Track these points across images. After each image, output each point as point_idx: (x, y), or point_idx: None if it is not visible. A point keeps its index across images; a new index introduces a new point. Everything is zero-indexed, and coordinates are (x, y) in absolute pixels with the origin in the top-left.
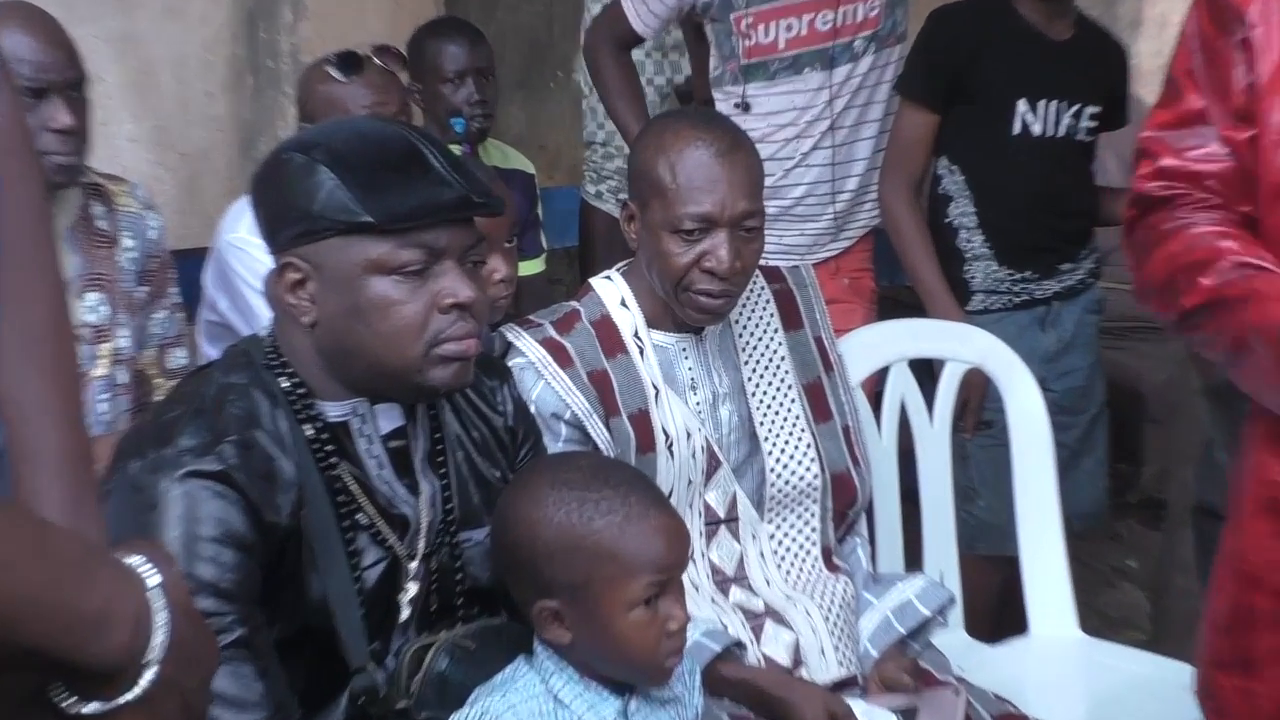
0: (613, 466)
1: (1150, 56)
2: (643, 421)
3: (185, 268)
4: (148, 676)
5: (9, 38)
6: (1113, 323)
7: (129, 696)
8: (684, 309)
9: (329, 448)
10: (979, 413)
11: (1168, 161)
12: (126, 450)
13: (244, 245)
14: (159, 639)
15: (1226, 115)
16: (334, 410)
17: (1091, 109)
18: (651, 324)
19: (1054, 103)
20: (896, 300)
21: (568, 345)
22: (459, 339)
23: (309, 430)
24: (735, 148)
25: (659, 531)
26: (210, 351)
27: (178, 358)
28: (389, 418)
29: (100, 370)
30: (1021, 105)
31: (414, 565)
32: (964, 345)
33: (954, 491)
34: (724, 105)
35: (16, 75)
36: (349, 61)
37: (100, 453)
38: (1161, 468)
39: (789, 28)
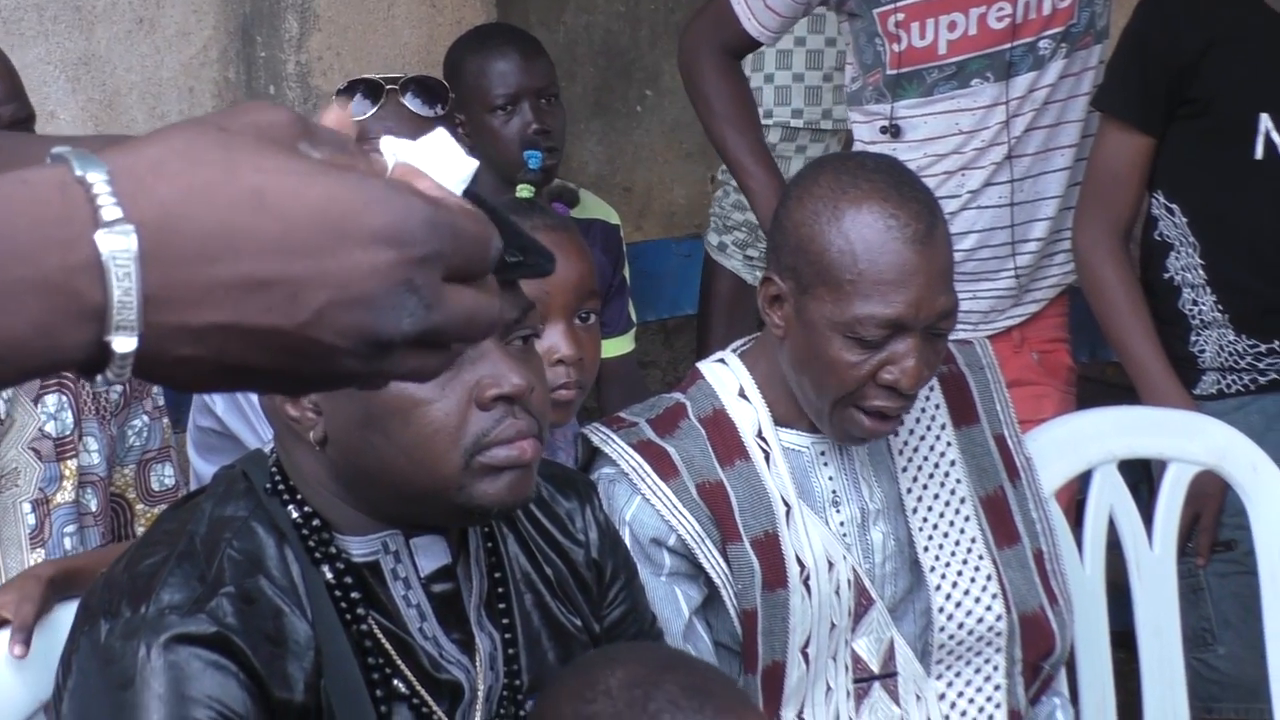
0: (659, 678)
1: None
2: (770, 548)
3: None
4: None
5: None
6: None
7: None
8: (839, 426)
9: (354, 595)
10: (1215, 531)
11: None
12: (94, 608)
13: None
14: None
15: None
16: (359, 547)
17: None
18: (780, 421)
19: None
20: (1101, 381)
21: (671, 450)
22: (510, 440)
23: (328, 574)
24: (934, 225)
25: None
26: (205, 468)
27: (164, 477)
28: (432, 554)
29: (64, 495)
30: (1267, 121)
31: None
32: (1192, 441)
33: (1184, 636)
34: (865, 130)
35: None
36: (358, 91)
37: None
38: None
39: (952, 26)
